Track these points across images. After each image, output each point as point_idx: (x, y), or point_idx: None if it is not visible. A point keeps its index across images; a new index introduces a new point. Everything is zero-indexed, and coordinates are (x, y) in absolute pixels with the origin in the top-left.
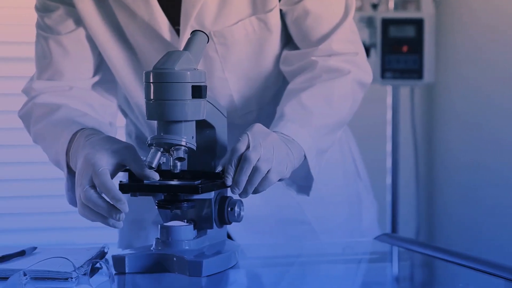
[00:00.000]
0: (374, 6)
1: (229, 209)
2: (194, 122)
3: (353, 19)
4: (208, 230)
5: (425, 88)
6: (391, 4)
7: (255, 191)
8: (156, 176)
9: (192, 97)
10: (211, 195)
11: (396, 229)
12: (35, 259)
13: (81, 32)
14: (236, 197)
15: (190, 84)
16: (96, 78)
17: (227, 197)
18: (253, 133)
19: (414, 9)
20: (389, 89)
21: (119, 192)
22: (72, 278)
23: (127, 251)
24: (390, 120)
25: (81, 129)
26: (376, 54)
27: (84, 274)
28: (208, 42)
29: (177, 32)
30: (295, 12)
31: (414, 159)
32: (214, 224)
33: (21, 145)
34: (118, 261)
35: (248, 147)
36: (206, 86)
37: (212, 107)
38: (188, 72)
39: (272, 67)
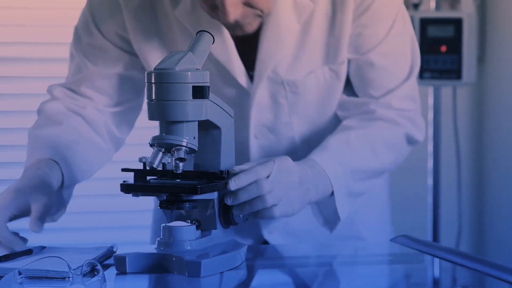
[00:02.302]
0: (415, 6)
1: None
2: (196, 123)
3: None
4: (214, 231)
5: (472, 87)
6: (433, 4)
7: (254, 216)
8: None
9: (193, 98)
10: (214, 195)
11: (437, 230)
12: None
13: (119, 70)
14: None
15: (191, 85)
16: (116, 108)
17: None
18: (279, 168)
19: (457, 9)
20: (430, 89)
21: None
22: (69, 277)
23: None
24: (432, 120)
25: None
26: None
27: (81, 274)
28: (213, 43)
29: (250, 77)
30: (360, 62)
31: (456, 159)
32: (219, 225)
33: None
34: (119, 261)
35: (267, 176)
36: (208, 87)
37: (217, 108)
38: (189, 73)
39: (334, 112)
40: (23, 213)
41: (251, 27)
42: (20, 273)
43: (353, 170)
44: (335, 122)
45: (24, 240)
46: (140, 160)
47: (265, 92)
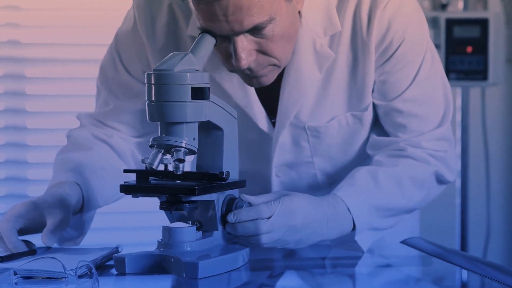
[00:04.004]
0: (443, 6)
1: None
2: (196, 124)
3: None
4: (215, 232)
5: (503, 88)
6: (461, 4)
7: (244, 241)
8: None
9: (193, 99)
10: (214, 196)
11: (465, 232)
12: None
13: (143, 105)
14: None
15: (190, 86)
16: (142, 139)
17: (235, 198)
18: (282, 209)
19: (487, 9)
20: (458, 90)
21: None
22: (66, 278)
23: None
24: (460, 122)
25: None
26: (440, 55)
27: (75, 275)
28: (215, 45)
29: (272, 123)
30: (387, 108)
31: (485, 161)
32: (220, 226)
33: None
34: (119, 261)
35: (269, 216)
36: (208, 88)
37: (219, 109)
38: (188, 74)
39: (357, 149)
40: (37, 225)
41: (267, 79)
42: (15, 273)
43: (378, 208)
44: (358, 158)
45: (32, 246)
46: (143, 161)
47: (287, 137)
